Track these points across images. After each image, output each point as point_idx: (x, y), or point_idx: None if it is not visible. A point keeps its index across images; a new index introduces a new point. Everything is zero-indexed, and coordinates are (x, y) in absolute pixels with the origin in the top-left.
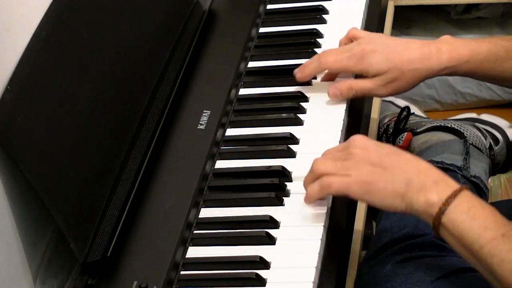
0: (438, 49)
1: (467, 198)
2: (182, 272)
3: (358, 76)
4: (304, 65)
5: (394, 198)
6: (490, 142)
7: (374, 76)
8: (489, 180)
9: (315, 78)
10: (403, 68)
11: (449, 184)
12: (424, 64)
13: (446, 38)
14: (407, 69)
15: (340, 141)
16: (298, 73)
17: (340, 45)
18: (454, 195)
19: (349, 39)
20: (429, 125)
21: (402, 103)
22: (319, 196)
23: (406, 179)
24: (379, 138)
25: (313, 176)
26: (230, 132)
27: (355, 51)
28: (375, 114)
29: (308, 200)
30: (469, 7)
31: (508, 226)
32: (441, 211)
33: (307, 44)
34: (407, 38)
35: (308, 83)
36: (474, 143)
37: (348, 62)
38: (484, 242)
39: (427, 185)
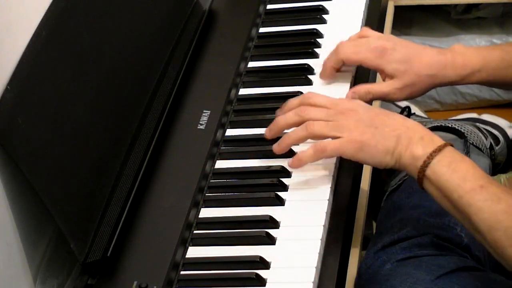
0: (453, 58)
1: (450, 154)
2: (182, 272)
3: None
4: (326, 60)
5: (385, 155)
6: (490, 142)
7: (388, 75)
8: None
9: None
10: (420, 72)
11: (434, 140)
12: (440, 71)
13: (458, 47)
14: (425, 74)
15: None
16: (321, 73)
17: (350, 40)
18: (438, 150)
19: (361, 38)
20: (430, 125)
21: (402, 103)
22: (313, 160)
23: (396, 136)
24: None
25: (299, 119)
26: (230, 132)
27: (375, 45)
28: None
29: (299, 162)
30: (469, 7)
31: (487, 178)
32: (425, 164)
33: (307, 44)
34: (422, 45)
35: (308, 83)
36: (474, 143)
37: (366, 54)
38: (463, 192)
39: (414, 140)
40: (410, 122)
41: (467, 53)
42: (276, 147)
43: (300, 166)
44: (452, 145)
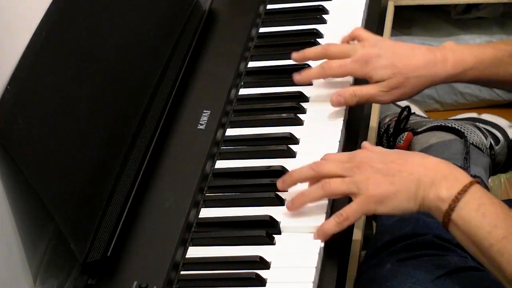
0: (444, 56)
1: (478, 194)
2: (182, 272)
3: (359, 81)
4: (306, 70)
5: (407, 202)
6: (490, 142)
7: (377, 81)
8: (489, 180)
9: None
10: (408, 74)
11: (459, 179)
12: (429, 71)
13: (450, 44)
14: (412, 75)
15: (340, 141)
16: (297, 76)
17: (342, 41)
18: (464, 190)
19: (352, 39)
20: (430, 125)
21: (402, 102)
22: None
23: (416, 180)
24: (380, 138)
25: (313, 173)
26: (230, 132)
27: (359, 54)
28: (374, 122)
29: (324, 235)
30: (469, 7)
31: None
32: (451, 207)
33: (307, 44)
34: (411, 43)
35: (308, 83)
36: (474, 143)
37: (352, 66)
38: (494, 240)
39: (436, 181)
40: (430, 160)
41: (458, 50)
42: (290, 205)
43: (326, 238)
44: (478, 182)
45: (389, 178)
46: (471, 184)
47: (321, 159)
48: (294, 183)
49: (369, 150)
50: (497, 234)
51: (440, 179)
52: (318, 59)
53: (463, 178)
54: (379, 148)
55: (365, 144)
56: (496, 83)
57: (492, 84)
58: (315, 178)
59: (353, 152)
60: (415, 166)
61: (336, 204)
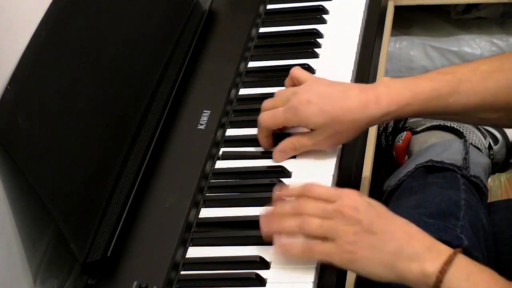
0: (377, 95)
1: (464, 264)
2: (182, 272)
3: None
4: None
5: (382, 268)
6: (489, 142)
7: (313, 129)
8: (489, 180)
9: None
10: (341, 119)
11: (441, 250)
12: (363, 113)
13: (385, 80)
14: (346, 120)
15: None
16: (263, 145)
17: (285, 85)
18: (449, 261)
19: (292, 81)
20: (429, 124)
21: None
22: (299, 256)
23: (396, 247)
24: (379, 137)
25: (293, 212)
26: (230, 132)
27: (290, 103)
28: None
29: (284, 252)
30: (469, 7)
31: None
32: (439, 280)
33: (307, 44)
34: (346, 84)
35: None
36: (473, 143)
37: (284, 115)
38: None
39: (420, 253)
40: (413, 228)
41: (392, 86)
42: (264, 226)
43: (283, 253)
44: (461, 251)
45: (369, 237)
46: (455, 254)
47: (306, 189)
48: (277, 223)
49: (355, 195)
50: None
51: (423, 251)
52: (270, 134)
53: (445, 249)
54: (366, 198)
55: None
56: (440, 115)
57: (439, 117)
58: (294, 215)
59: (340, 190)
60: (399, 230)
61: None
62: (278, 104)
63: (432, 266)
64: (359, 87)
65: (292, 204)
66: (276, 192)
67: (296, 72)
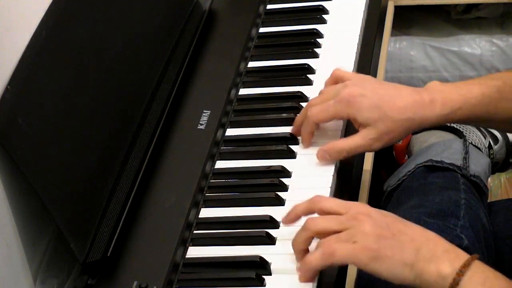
0: (431, 97)
1: (481, 269)
2: (182, 272)
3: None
4: (296, 125)
5: (403, 268)
6: (489, 141)
7: (361, 124)
8: (489, 179)
9: (312, 71)
10: (394, 117)
11: (459, 254)
12: (417, 114)
13: (435, 85)
14: (399, 118)
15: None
16: (302, 143)
17: (325, 85)
18: (467, 264)
19: (334, 81)
20: None
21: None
22: (321, 265)
23: (415, 248)
24: None
25: (308, 234)
26: (230, 132)
27: (342, 95)
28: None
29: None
30: (469, 7)
31: None
32: (455, 282)
33: (307, 44)
34: (396, 84)
35: (308, 83)
36: (473, 142)
37: (335, 108)
38: None
39: (438, 254)
40: (430, 233)
41: (445, 91)
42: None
43: (311, 274)
44: (478, 257)
45: (388, 236)
46: (473, 259)
47: (313, 202)
48: (294, 249)
49: (365, 205)
50: None
51: (441, 252)
52: (314, 130)
53: (463, 253)
54: (375, 208)
55: (335, 72)
56: (487, 121)
57: (485, 123)
58: (310, 237)
59: (348, 202)
60: (415, 233)
61: None
62: (327, 99)
63: (449, 267)
64: (412, 88)
65: (301, 228)
66: (284, 221)
67: (339, 71)
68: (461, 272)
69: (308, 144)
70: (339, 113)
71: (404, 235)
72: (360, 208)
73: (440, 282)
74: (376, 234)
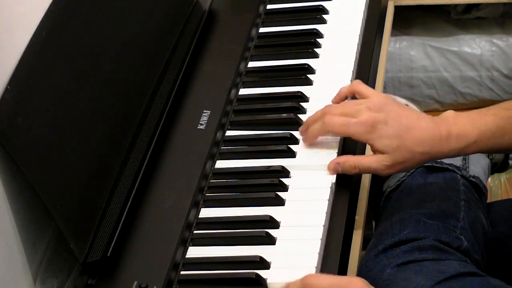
0: (448, 131)
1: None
2: (182, 272)
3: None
4: (307, 125)
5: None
6: None
7: (379, 150)
8: (489, 180)
9: (312, 71)
10: (413, 149)
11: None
12: (433, 148)
13: (452, 116)
14: (417, 152)
15: (339, 140)
16: (303, 136)
17: (340, 95)
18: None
19: (352, 93)
20: None
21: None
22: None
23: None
24: None
25: (318, 116)
26: (230, 132)
27: (364, 118)
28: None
29: (308, 139)
30: (469, 7)
31: None
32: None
33: (307, 44)
34: (416, 111)
35: (308, 83)
36: None
37: (355, 128)
38: None
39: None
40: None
41: (460, 123)
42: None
43: (311, 141)
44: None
45: (410, 111)
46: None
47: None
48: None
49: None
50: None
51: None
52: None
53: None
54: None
55: (355, 85)
56: (501, 151)
57: (497, 152)
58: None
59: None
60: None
61: (336, 204)
62: (349, 114)
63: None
64: (430, 118)
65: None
66: None
67: (360, 86)
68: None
69: (310, 144)
70: (357, 135)
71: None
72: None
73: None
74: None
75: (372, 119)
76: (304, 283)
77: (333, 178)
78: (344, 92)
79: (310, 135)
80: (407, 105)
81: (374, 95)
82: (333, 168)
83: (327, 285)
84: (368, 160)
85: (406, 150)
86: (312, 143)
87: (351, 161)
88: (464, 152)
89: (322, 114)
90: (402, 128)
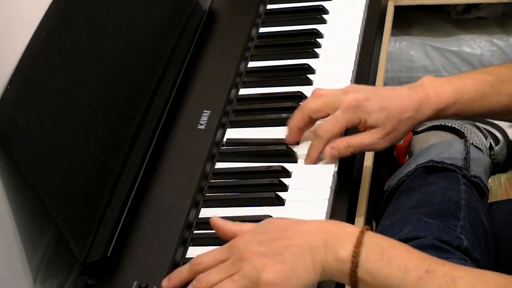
0: (427, 94)
1: (375, 242)
2: None
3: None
4: (291, 128)
5: (308, 275)
6: (490, 142)
7: (370, 126)
8: (489, 180)
9: (312, 71)
10: (399, 117)
11: (349, 232)
12: (417, 112)
13: (429, 80)
14: (403, 118)
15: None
16: (307, 159)
17: (295, 121)
18: (359, 242)
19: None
20: (430, 125)
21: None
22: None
23: (308, 249)
24: None
25: (298, 115)
26: (230, 132)
27: (347, 102)
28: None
29: (312, 159)
30: (469, 7)
31: (428, 259)
32: (354, 265)
33: (307, 44)
34: (389, 86)
35: (308, 83)
36: (474, 143)
37: (345, 116)
38: (411, 285)
39: (329, 242)
40: (314, 224)
41: (438, 86)
42: None
43: None
44: (368, 229)
45: (278, 258)
46: (362, 233)
47: (192, 264)
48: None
49: (244, 236)
50: (411, 277)
51: (332, 239)
52: (304, 125)
53: (353, 229)
54: (252, 226)
55: (317, 91)
56: (482, 115)
57: (477, 116)
58: None
59: (227, 244)
60: (300, 236)
61: (336, 204)
62: (328, 103)
63: (344, 251)
64: (406, 86)
65: (192, 284)
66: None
67: (319, 90)
68: (356, 253)
69: (316, 160)
70: (351, 119)
71: (292, 246)
72: (239, 245)
73: (341, 267)
74: (266, 264)
75: (354, 99)
76: (192, 264)
77: (333, 179)
78: (299, 117)
79: (313, 154)
80: None
81: (342, 88)
82: (329, 154)
83: (213, 257)
84: (360, 137)
85: (394, 118)
86: (317, 157)
87: (344, 141)
88: (444, 114)
89: (300, 111)
90: (383, 100)
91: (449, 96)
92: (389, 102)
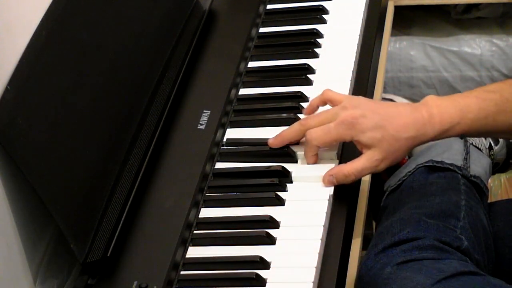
0: (430, 114)
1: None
2: (182, 272)
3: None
4: (282, 138)
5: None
6: (490, 142)
7: (365, 145)
8: (489, 180)
9: (312, 71)
10: (397, 136)
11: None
12: (419, 132)
13: (432, 99)
14: (403, 137)
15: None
16: (307, 162)
17: (312, 105)
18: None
19: (324, 102)
20: None
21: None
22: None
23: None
24: None
25: (295, 129)
26: (230, 132)
27: (342, 117)
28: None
29: (308, 162)
30: (469, 7)
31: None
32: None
33: (307, 44)
34: (393, 102)
35: (308, 83)
36: (474, 143)
37: (337, 131)
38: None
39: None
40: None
41: (442, 105)
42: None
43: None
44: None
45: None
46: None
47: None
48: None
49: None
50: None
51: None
52: (298, 139)
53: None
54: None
55: (326, 93)
56: (487, 134)
57: (483, 135)
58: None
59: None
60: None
61: (336, 204)
62: (325, 121)
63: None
64: (410, 105)
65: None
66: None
67: (330, 93)
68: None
69: (315, 161)
70: (341, 135)
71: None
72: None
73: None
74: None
75: (350, 115)
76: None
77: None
78: (315, 102)
79: (308, 160)
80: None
81: (346, 98)
82: (327, 180)
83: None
84: (359, 162)
85: (391, 138)
86: (315, 161)
87: (344, 170)
88: (448, 134)
89: (299, 127)
90: (382, 118)
91: (453, 116)
92: (387, 120)
